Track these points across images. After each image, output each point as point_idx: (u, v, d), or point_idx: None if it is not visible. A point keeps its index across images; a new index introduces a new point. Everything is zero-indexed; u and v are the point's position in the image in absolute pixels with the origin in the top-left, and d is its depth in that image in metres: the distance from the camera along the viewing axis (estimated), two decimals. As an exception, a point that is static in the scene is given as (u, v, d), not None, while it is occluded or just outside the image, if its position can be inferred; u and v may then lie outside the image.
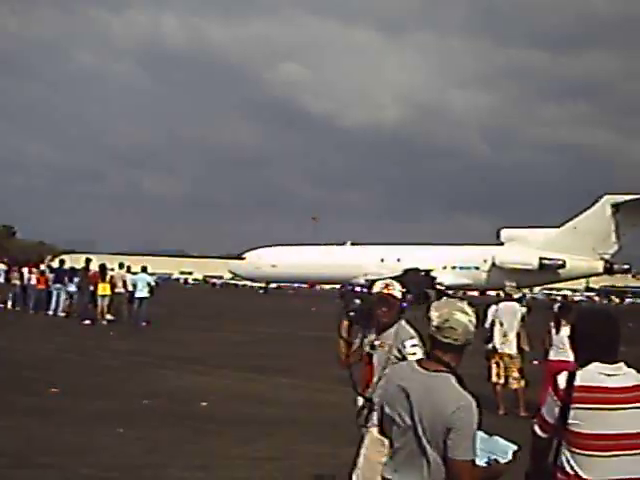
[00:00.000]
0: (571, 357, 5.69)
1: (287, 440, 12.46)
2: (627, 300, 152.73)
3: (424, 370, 4.92)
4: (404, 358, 7.00)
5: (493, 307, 16.24)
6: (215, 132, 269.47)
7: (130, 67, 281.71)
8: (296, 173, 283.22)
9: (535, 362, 16.76)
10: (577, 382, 4.82)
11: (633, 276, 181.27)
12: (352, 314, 7.72)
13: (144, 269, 36.25)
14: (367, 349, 7.49)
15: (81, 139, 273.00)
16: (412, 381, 4.87)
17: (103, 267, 35.83)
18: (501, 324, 15.76)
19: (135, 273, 36.74)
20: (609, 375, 4.82)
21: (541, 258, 71.84)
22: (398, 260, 76.12)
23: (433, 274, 71.82)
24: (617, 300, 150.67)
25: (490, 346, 15.76)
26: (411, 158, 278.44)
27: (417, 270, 70.39)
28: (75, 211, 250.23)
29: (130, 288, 35.28)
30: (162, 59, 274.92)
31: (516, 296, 17.55)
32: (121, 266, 37.11)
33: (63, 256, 47.77)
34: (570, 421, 4.79)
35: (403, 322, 7.47)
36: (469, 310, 4.97)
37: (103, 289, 34.30)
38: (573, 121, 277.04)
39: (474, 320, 4.96)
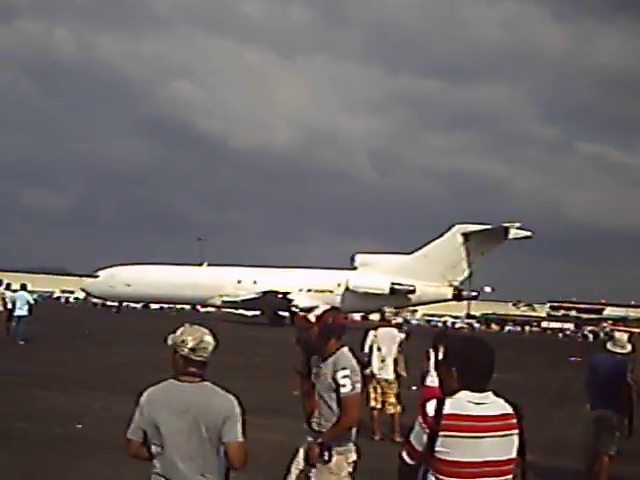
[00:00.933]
0: None
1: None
2: (506, 328, 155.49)
3: (194, 383, 5.87)
4: (337, 388, 7.37)
5: (372, 332, 16.28)
6: (104, 147, 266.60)
7: (16, 77, 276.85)
8: (184, 192, 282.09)
9: (413, 388, 16.96)
10: (446, 410, 4.87)
11: (514, 304, 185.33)
12: (299, 344, 7.91)
13: (23, 287, 35.61)
14: (313, 378, 7.68)
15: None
16: (177, 393, 5.85)
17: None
18: (379, 349, 15.91)
19: (15, 291, 36.07)
20: (477, 404, 4.90)
21: (392, 283, 74.42)
22: (254, 282, 77.73)
23: (289, 297, 73.68)
24: (497, 327, 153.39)
25: (368, 371, 15.88)
26: (299, 180, 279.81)
27: (275, 292, 72.49)
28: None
29: (9, 306, 34.64)
30: (51, 71, 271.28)
31: (395, 321, 17.75)
32: (0, 283, 36.40)
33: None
34: (438, 448, 4.83)
35: (345, 350, 7.61)
36: (210, 334, 5.99)
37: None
38: (460, 150, 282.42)
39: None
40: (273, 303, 73.46)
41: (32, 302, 35.07)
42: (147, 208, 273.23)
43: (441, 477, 4.87)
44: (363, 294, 73.94)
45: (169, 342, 5.95)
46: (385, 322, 16.81)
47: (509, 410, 5.02)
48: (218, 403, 5.80)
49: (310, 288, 77.55)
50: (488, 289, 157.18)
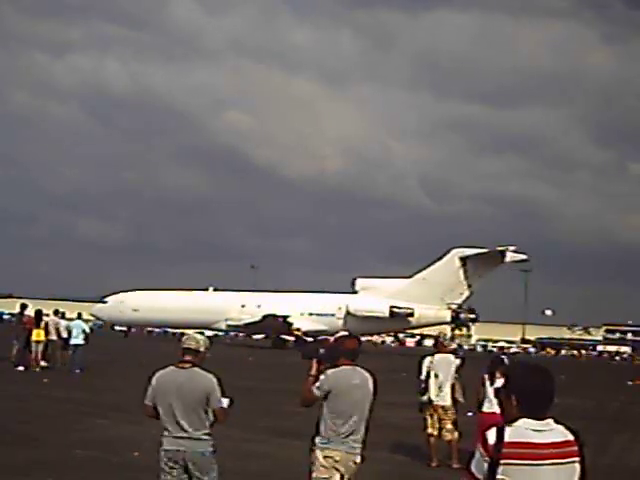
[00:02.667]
0: None
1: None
2: (562, 351, 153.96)
3: (186, 370, 8.61)
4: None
5: (428, 358, 16.16)
6: (157, 179, 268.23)
7: (71, 110, 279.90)
8: (237, 221, 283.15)
9: (469, 414, 16.81)
10: (506, 438, 4.81)
11: (568, 328, 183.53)
12: (322, 352, 9.14)
13: (79, 315, 35.94)
14: None
15: (17, 181, 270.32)
16: (176, 375, 8.64)
17: (39, 313, 35.46)
18: (436, 376, 15.80)
19: (71, 319, 36.38)
20: (538, 431, 4.84)
21: (391, 306, 75.59)
22: (258, 306, 79.14)
23: (290, 320, 75.68)
24: (552, 352, 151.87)
25: (425, 398, 15.79)
26: (350, 208, 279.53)
27: (274, 316, 74.46)
28: (12, 254, 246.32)
29: (64, 335, 34.92)
30: (104, 104, 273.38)
31: (451, 347, 17.66)
32: (56, 312, 36.74)
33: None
34: (499, 477, 4.78)
35: (349, 367, 9.00)
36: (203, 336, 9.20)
37: (37, 335, 33.83)
38: (511, 175, 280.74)
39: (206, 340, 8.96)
40: (274, 327, 75.41)
41: (88, 331, 35.36)
42: (200, 237, 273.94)
43: None
44: (363, 317, 75.47)
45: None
46: (442, 348, 16.70)
47: (570, 437, 4.94)
48: (203, 382, 8.57)
49: (312, 312, 79.41)
50: (549, 312, 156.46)
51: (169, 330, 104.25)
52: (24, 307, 36.37)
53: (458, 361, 16.32)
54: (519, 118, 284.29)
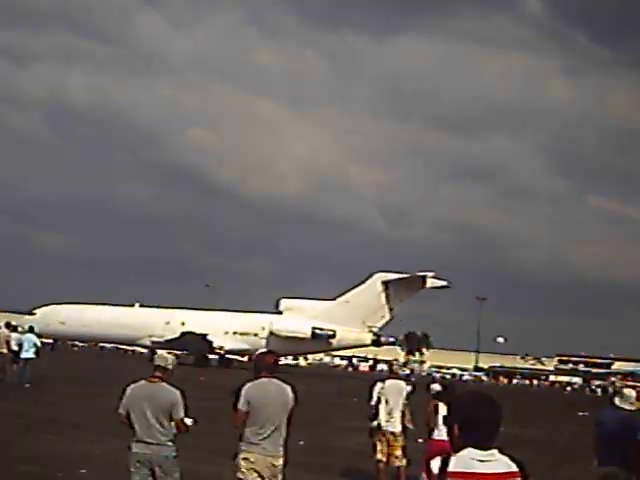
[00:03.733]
0: None
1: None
2: (514, 381, 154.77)
3: (155, 384, 10.02)
4: None
5: (379, 384, 16.09)
6: (116, 194, 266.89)
7: (30, 121, 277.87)
8: (195, 239, 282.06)
9: (419, 441, 16.83)
10: (450, 468, 4.82)
11: (522, 358, 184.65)
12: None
13: (31, 329, 35.64)
14: None
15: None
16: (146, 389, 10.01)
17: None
18: (387, 402, 15.80)
19: (22, 333, 36.07)
20: (482, 461, 4.83)
21: (313, 328, 76.97)
22: (182, 324, 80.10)
23: (209, 338, 76.63)
24: (505, 380, 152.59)
25: (375, 423, 15.79)
26: (309, 229, 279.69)
27: (193, 334, 75.51)
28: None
29: (15, 348, 34.61)
30: (64, 115, 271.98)
31: (404, 373, 17.71)
32: (7, 325, 36.41)
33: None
34: None
35: (266, 380, 10.26)
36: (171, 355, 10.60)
37: (-13, 348, 33.54)
38: (469, 202, 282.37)
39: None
40: (193, 344, 75.87)
41: (39, 344, 35.07)
42: (157, 254, 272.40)
43: None
44: (285, 337, 76.64)
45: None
46: (393, 374, 16.73)
47: (514, 468, 4.94)
48: (169, 395, 10.01)
49: (236, 331, 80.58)
50: (501, 340, 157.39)
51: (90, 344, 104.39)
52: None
53: (409, 387, 16.33)
54: (479, 146, 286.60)
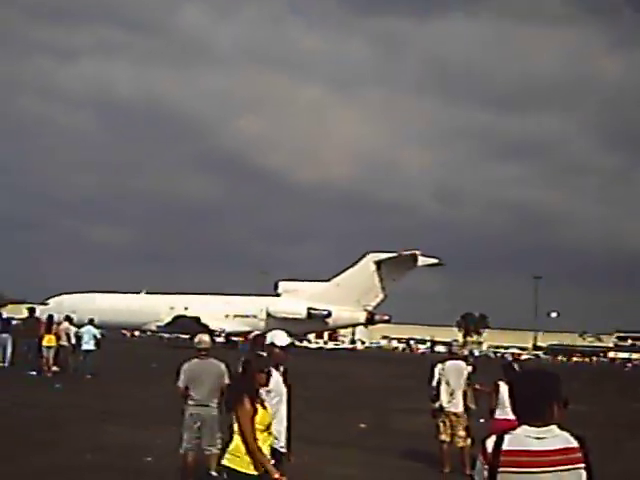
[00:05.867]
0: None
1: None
2: (573, 358, 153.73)
3: (206, 360, 13.06)
4: None
5: (439, 366, 16.20)
6: (167, 184, 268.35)
7: (78, 116, 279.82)
8: (248, 226, 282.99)
9: (481, 421, 16.77)
10: (504, 446, 4.84)
11: (580, 335, 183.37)
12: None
13: (91, 321, 35.98)
14: None
15: (24, 187, 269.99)
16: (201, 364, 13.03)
17: (50, 318, 35.54)
18: (447, 383, 15.78)
19: (81, 325, 36.46)
20: (537, 438, 4.82)
21: (309, 308, 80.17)
22: (186, 308, 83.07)
23: (204, 321, 78.24)
24: (564, 358, 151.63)
25: (437, 405, 15.80)
26: (359, 214, 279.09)
27: (185, 317, 79.04)
28: (15, 260, 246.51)
29: (73, 340, 35.04)
30: (112, 109, 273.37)
31: (463, 354, 17.64)
32: (67, 318, 36.83)
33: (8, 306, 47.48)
34: None
35: None
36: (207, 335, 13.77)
37: (49, 340, 33.92)
38: (520, 180, 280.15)
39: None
40: (190, 327, 76.10)
41: (99, 336, 35.43)
42: (210, 243, 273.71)
43: None
44: (282, 319, 77.94)
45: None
46: (452, 355, 16.71)
47: (574, 444, 4.90)
48: (218, 367, 13.13)
49: (237, 314, 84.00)
50: (554, 315, 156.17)
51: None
52: (32, 311, 36.48)
53: (469, 368, 16.31)
54: (529, 124, 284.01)
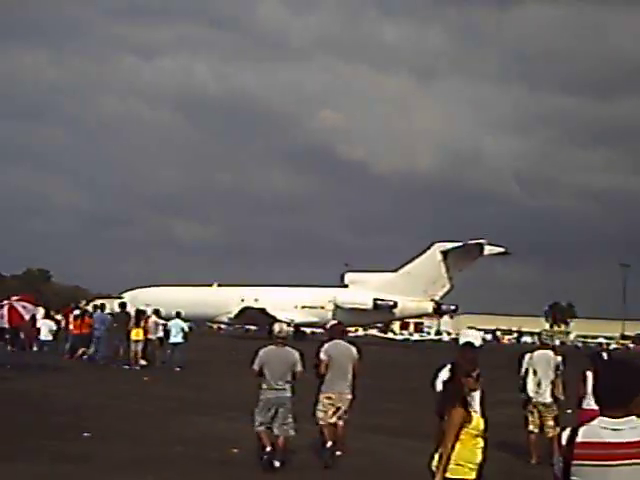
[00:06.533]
0: None
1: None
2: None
3: (282, 347, 14.12)
4: None
5: (527, 356, 16.08)
6: (251, 179, 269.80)
7: (162, 113, 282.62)
8: (331, 219, 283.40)
9: (568, 411, 16.58)
10: (578, 438, 4.77)
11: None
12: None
13: (178, 314, 36.40)
14: None
15: (111, 185, 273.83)
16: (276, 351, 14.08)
17: (139, 312, 36.08)
18: (535, 373, 15.64)
19: (169, 318, 36.93)
20: (614, 430, 4.73)
21: (375, 299, 79.77)
22: (256, 300, 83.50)
23: (271, 312, 77.96)
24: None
25: (524, 395, 15.69)
26: (444, 204, 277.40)
27: (251, 308, 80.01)
28: (108, 256, 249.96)
29: (161, 334, 35.54)
30: (194, 105, 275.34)
31: (552, 344, 17.44)
32: (155, 312, 37.33)
33: (101, 300, 48.23)
34: (572, 477, 4.76)
35: (332, 341, 15.26)
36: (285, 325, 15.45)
37: (136, 334, 34.41)
38: (606, 167, 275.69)
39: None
40: (259, 319, 79.07)
41: (186, 329, 35.83)
42: (294, 236, 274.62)
43: None
44: (349, 309, 79.40)
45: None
46: (543, 345, 16.57)
47: None
48: (292, 354, 14.12)
49: (304, 305, 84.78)
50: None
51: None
52: (124, 306, 37.08)
53: (559, 358, 16.11)
54: (614, 109, 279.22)
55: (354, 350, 15.14)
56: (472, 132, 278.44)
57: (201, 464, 13.87)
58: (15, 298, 31.15)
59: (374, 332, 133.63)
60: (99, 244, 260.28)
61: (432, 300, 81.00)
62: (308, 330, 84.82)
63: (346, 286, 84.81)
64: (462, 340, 9.18)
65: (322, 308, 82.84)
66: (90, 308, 43.43)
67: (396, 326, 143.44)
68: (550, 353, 16.13)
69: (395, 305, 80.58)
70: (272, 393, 13.74)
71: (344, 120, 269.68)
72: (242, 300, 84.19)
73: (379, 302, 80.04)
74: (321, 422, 14.59)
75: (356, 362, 15.10)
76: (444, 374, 12.67)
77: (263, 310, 79.40)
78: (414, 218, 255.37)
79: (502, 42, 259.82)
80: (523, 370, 15.96)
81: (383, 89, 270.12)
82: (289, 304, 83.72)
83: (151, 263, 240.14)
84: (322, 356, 14.68)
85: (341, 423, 14.78)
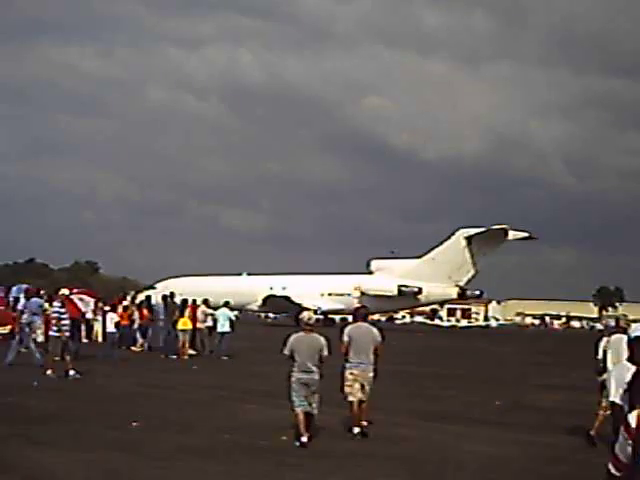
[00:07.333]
0: None
1: (364, 474, 12.43)
2: None
3: (310, 334, 15.22)
4: None
5: (605, 339, 16.35)
6: (299, 167, 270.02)
7: (207, 104, 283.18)
8: (376, 206, 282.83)
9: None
10: None
11: None
12: None
13: (226, 304, 36.56)
14: None
15: (158, 175, 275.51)
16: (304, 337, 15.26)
17: (184, 302, 36.34)
18: (613, 354, 15.59)
19: (216, 308, 37.10)
20: None
21: (399, 285, 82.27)
22: (283, 288, 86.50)
23: (296, 300, 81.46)
24: None
25: (601, 378, 15.67)
26: (492, 189, 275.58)
27: (275, 297, 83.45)
28: (157, 247, 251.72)
29: (210, 323, 35.74)
30: (239, 95, 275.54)
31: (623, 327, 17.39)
32: (204, 301, 37.54)
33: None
34: None
35: (355, 324, 16.76)
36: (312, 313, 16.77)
37: (183, 324, 34.64)
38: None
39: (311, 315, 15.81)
40: (279, 305, 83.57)
41: (233, 318, 36.00)
42: (342, 223, 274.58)
43: None
44: (374, 296, 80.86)
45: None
46: (620, 328, 16.67)
47: None
48: (319, 340, 15.11)
49: (331, 292, 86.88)
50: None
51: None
52: (172, 295, 37.39)
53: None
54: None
55: (376, 332, 16.27)
56: (518, 116, 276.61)
57: (250, 452, 13.89)
58: (76, 291, 31.62)
59: (421, 319, 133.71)
60: (147, 235, 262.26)
61: (457, 285, 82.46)
62: (337, 317, 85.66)
63: (371, 273, 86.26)
64: (632, 334, 8.78)
65: (348, 295, 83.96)
66: (137, 299, 43.70)
67: (443, 312, 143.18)
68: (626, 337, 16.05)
69: (420, 291, 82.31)
70: (302, 374, 15.02)
71: (390, 107, 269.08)
72: (271, 288, 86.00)
73: (403, 288, 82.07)
74: (350, 397, 15.84)
75: (378, 344, 16.15)
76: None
77: (287, 298, 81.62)
78: (461, 204, 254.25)
79: (548, 25, 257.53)
80: (600, 352, 16.21)
81: (428, 75, 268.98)
82: (316, 292, 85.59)
83: (198, 253, 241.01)
84: (344, 338, 16.02)
85: (363, 397, 15.95)
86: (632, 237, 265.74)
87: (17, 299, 35.66)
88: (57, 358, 24.93)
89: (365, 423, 15.97)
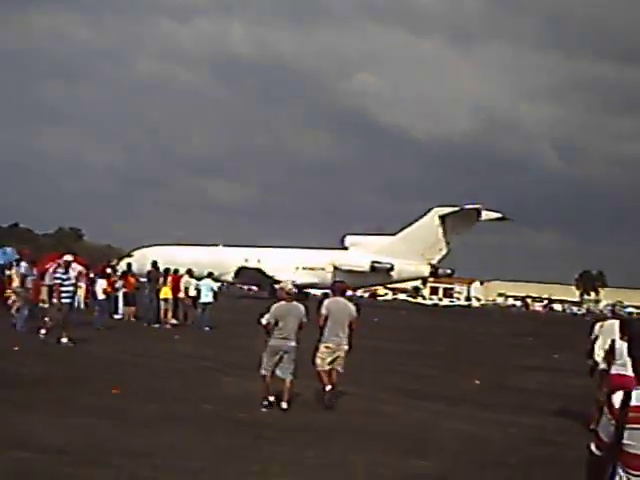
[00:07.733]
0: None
1: (341, 448, 12.46)
2: None
3: (291, 302, 16.02)
4: None
5: (599, 324, 16.50)
6: (286, 142, 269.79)
7: (198, 75, 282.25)
8: (365, 183, 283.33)
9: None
10: (633, 402, 4.70)
11: None
12: None
13: (209, 275, 36.56)
14: None
15: (145, 146, 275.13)
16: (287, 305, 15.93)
17: (166, 271, 36.36)
18: (604, 341, 15.66)
19: (200, 278, 37.11)
20: None
21: (372, 262, 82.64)
22: (258, 261, 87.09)
23: (269, 272, 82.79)
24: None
25: (591, 361, 15.96)
26: (480, 169, 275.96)
27: (247, 268, 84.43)
28: (142, 216, 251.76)
29: (193, 293, 35.73)
30: (230, 67, 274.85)
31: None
32: (188, 271, 37.54)
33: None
34: (625, 441, 4.67)
35: (331, 298, 17.36)
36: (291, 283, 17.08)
37: (165, 293, 34.72)
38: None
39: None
40: (251, 277, 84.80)
41: (216, 289, 36.02)
42: (328, 199, 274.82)
43: (630, 471, 4.69)
44: (347, 271, 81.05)
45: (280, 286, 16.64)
46: (615, 315, 16.83)
47: None
48: (300, 308, 15.88)
49: (305, 266, 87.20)
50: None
51: None
52: (156, 264, 37.39)
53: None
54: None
55: (352, 307, 16.95)
56: (508, 98, 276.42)
57: (229, 423, 13.94)
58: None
59: (403, 297, 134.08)
60: (132, 204, 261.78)
61: (429, 264, 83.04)
62: (312, 292, 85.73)
63: (346, 249, 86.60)
64: None
65: (322, 269, 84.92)
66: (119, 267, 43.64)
67: (426, 291, 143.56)
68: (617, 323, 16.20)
69: (392, 268, 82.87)
70: (282, 341, 15.67)
71: (380, 84, 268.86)
72: (246, 260, 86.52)
73: (376, 265, 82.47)
74: (319, 368, 16.44)
75: (354, 319, 16.80)
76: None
77: (259, 270, 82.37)
78: (449, 183, 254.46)
79: (538, 8, 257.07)
80: (593, 336, 16.34)
81: (420, 53, 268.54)
82: (291, 265, 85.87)
83: (183, 223, 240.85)
84: (322, 311, 16.56)
85: (339, 369, 16.57)
86: (616, 223, 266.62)
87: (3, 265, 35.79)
88: (52, 322, 24.98)
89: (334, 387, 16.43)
